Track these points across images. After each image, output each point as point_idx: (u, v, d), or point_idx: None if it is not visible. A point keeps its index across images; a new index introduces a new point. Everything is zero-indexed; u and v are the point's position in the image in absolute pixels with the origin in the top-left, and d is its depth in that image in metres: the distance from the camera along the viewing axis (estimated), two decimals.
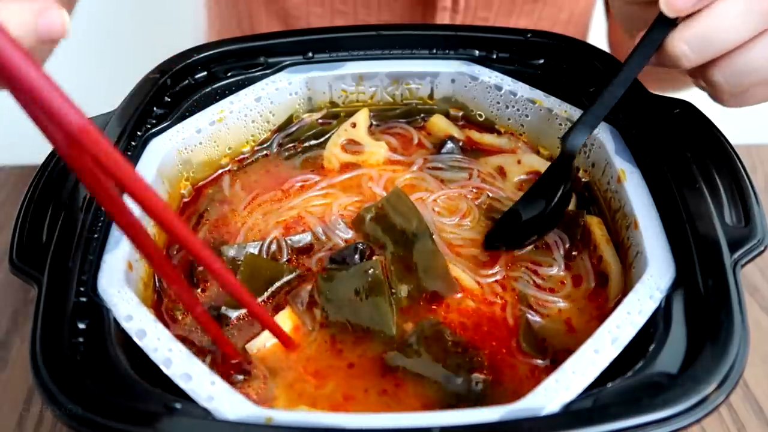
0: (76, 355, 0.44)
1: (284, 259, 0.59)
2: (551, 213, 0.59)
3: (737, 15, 0.48)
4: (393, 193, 0.62)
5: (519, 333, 0.53)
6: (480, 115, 0.72)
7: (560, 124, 0.66)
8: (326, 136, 0.71)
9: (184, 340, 0.52)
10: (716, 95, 0.54)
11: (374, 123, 0.73)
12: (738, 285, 0.46)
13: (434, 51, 0.72)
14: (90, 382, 0.42)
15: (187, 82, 0.68)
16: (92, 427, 0.40)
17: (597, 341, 0.45)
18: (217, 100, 0.67)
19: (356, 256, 0.56)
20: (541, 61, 0.70)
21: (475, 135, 0.71)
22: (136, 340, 0.45)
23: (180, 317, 0.54)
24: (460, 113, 0.73)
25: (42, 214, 0.52)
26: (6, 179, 0.90)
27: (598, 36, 1.09)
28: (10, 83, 0.33)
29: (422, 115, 0.74)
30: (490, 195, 0.65)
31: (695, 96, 0.64)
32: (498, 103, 0.70)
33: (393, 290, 0.55)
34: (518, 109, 0.69)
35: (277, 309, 0.55)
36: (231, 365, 0.51)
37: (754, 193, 0.52)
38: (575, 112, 0.66)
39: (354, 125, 0.71)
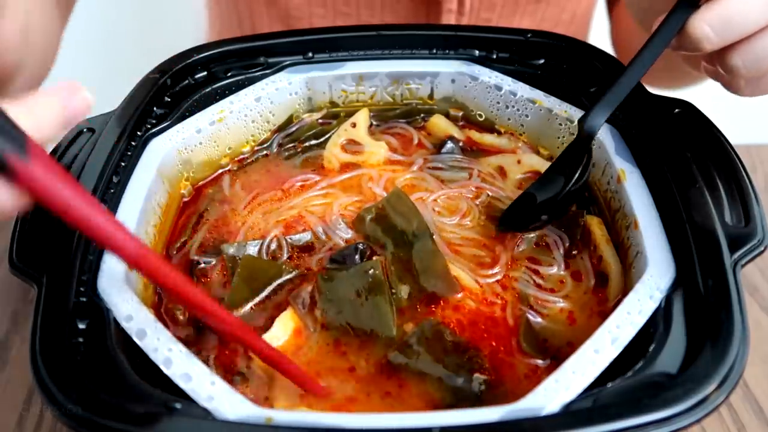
0: (76, 355, 0.44)
1: (284, 257, 0.59)
2: (567, 196, 0.59)
3: None
4: (393, 193, 0.61)
5: (519, 333, 0.53)
6: (480, 115, 0.72)
7: (560, 124, 0.66)
8: (326, 136, 0.71)
9: (185, 341, 0.52)
10: (732, 82, 0.54)
11: (374, 123, 0.73)
12: (738, 285, 0.46)
13: (434, 51, 0.72)
14: (90, 382, 0.42)
15: (187, 82, 0.68)
16: (92, 427, 0.40)
17: (597, 341, 0.45)
18: (217, 100, 0.67)
19: (356, 256, 0.56)
20: (541, 61, 0.70)
21: (475, 135, 0.71)
22: (136, 341, 0.45)
23: (180, 317, 0.54)
24: (460, 113, 0.73)
25: (42, 213, 0.52)
26: None
27: (599, 36, 1.09)
28: (77, 228, 0.37)
29: (422, 115, 0.74)
30: (490, 194, 0.65)
31: (695, 96, 0.64)
32: (498, 103, 0.70)
33: (393, 291, 0.54)
34: (518, 109, 0.69)
35: (278, 309, 0.55)
36: (232, 366, 0.51)
37: (754, 193, 0.52)
38: (575, 112, 0.66)
39: (354, 125, 0.71)
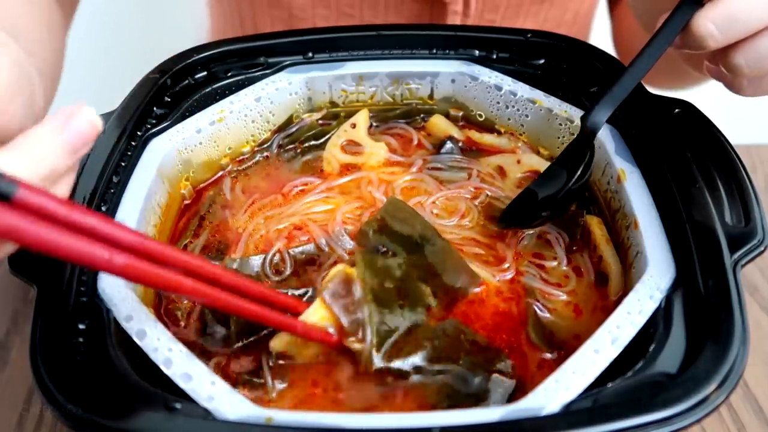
0: (76, 355, 0.44)
1: (288, 272, 0.58)
2: (568, 193, 0.59)
3: None
4: (390, 202, 0.61)
5: (527, 324, 0.53)
6: (480, 115, 0.72)
7: (560, 124, 0.66)
8: (326, 137, 0.71)
9: (186, 342, 0.52)
10: (734, 82, 0.54)
11: (374, 124, 0.73)
12: (738, 285, 0.46)
13: (434, 51, 0.72)
14: (90, 382, 0.42)
15: (187, 82, 0.68)
16: (92, 427, 0.40)
17: (597, 341, 0.45)
18: (217, 100, 0.67)
19: None
20: (542, 61, 0.70)
21: (475, 135, 0.71)
22: (136, 341, 0.45)
23: (180, 317, 0.54)
24: (460, 113, 0.73)
25: None
26: None
27: (600, 36, 1.09)
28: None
29: (422, 115, 0.74)
30: (489, 194, 0.65)
31: (695, 96, 0.64)
32: (498, 103, 0.70)
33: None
34: (518, 109, 0.69)
35: None
36: (232, 366, 0.51)
37: (754, 193, 0.52)
38: (575, 112, 0.66)
39: (354, 126, 0.71)
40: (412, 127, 0.73)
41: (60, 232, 0.36)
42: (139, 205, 0.55)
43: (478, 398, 0.48)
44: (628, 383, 0.42)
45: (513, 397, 0.48)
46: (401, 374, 0.49)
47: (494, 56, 0.71)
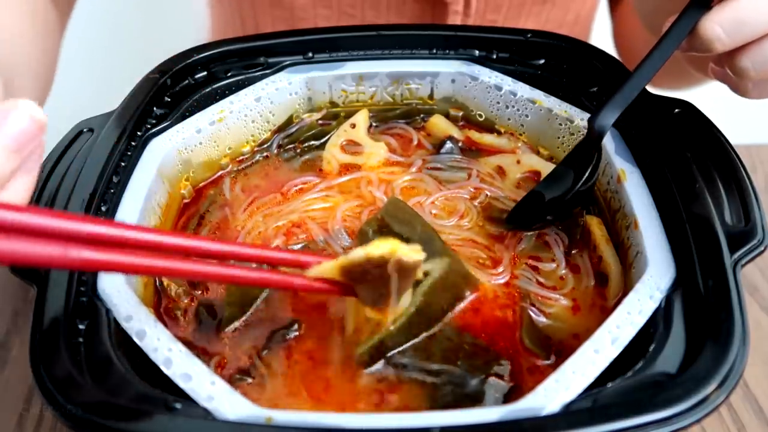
0: (76, 355, 0.44)
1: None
2: (576, 195, 0.59)
3: None
4: (390, 202, 0.61)
5: (521, 329, 0.53)
6: (480, 115, 0.72)
7: (560, 124, 0.66)
8: (326, 137, 0.71)
9: (186, 342, 0.52)
10: (740, 85, 0.54)
11: (374, 124, 0.73)
12: (738, 285, 0.46)
13: (434, 51, 0.72)
14: (90, 382, 0.42)
15: (187, 82, 0.68)
16: (92, 427, 0.40)
17: (597, 341, 0.45)
18: (217, 100, 0.67)
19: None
20: (542, 61, 0.70)
21: (475, 135, 0.71)
22: (136, 341, 0.45)
23: (180, 317, 0.54)
24: (460, 113, 0.73)
25: None
26: None
27: (600, 36, 1.09)
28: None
29: (422, 115, 0.74)
30: (489, 194, 0.65)
31: (695, 96, 0.64)
32: (498, 103, 0.70)
33: None
34: (518, 109, 0.69)
35: (270, 321, 0.54)
36: (233, 366, 0.51)
37: (754, 193, 0.52)
38: (575, 112, 0.66)
39: (353, 126, 0.71)
40: (411, 127, 0.73)
41: (4, 238, 0.34)
42: (139, 205, 0.55)
43: (475, 400, 0.48)
44: (628, 383, 0.42)
45: (508, 400, 0.48)
46: (396, 366, 0.49)
47: (494, 56, 0.71)
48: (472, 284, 0.55)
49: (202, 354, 0.51)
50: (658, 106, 0.60)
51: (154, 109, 0.64)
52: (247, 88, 0.68)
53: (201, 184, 0.67)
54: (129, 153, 0.59)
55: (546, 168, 0.66)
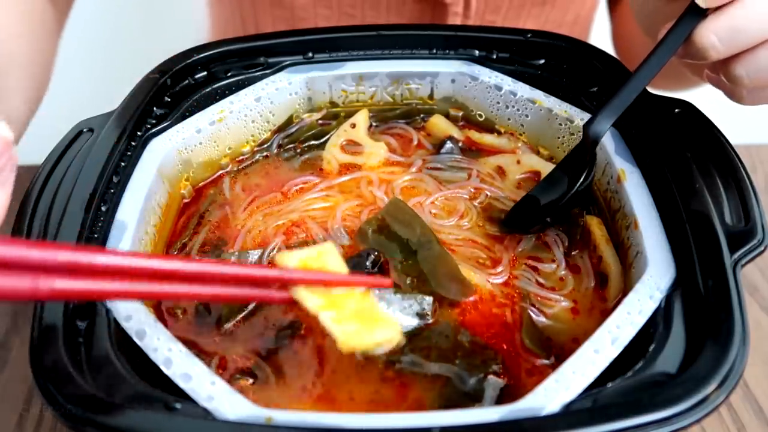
0: (76, 355, 0.44)
1: None
2: (571, 199, 0.59)
3: (767, 9, 0.48)
4: (392, 203, 0.61)
5: (521, 329, 0.53)
6: (480, 115, 0.72)
7: (560, 124, 0.66)
8: (326, 137, 0.71)
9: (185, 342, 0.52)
10: (734, 91, 0.55)
11: (374, 124, 0.73)
12: (738, 285, 0.46)
13: (434, 51, 0.72)
14: (90, 382, 0.42)
15: (187, 82, 0.68)
16: (92, 427, 0.40)
17: (597, 341, 0.45)
18: (217, 100, 0.67)
19: (368, 263, 0.56)
20: (541, 61, 0.70)
21: (475, 135, 0.71)
22: (136, 340, 0.45)
23: (180, 316, 0.54)
24: (460, 113, 0.73)
25: (42, 213, 0.52)
26: None
27: (600, 36, 1.09)
28: None
29: (422, 115, 0.74)
30: (489, 195, 0.65)
31: (695, 96, 0.64)
32: (498, 103, 0.70)
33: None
34: (518, 109, 0.69)
35: (267, 319, 0.54)
36: (233, 366, 0.51)
37: (754, 193, 0.52)
38: (575, 112, 0.66)
39: (353, 126, 0.71)
40: (412, 127, 0.73)
41: None
42: (139, 205, 0.55)
43: (474, 399, 0.48)
44: (628, 383, 0.42)
45: (505, 398, 0.48)
46: (396, 365, 0.50)
47: (494, 56, 0.71)
48: (467, 289, 0.55)
49: (202, 353, 0.51)
50: (658, 106, 0.60)
51: (154, 109, 0.64)
52: (247, 88, 0.68)
53: (201, 184, 0.67)
54: (129, 153, 0.59)
55: (546, 168, 0.66)
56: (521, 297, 0.56)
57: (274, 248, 0.59)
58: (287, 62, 0.70)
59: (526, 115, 0.69)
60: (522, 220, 0.61)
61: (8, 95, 0.65)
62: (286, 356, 0.51)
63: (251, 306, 0.54)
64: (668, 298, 0.48)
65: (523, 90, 0.69)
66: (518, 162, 0.68)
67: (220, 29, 1.10)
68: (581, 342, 0.47)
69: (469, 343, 0.51)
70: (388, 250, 0.58)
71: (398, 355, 0.50)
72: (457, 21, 0.91)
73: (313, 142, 0.72)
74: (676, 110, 0.60)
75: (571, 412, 0.41)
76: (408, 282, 0.55)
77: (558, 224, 0.61)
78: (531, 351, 0.51)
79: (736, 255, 0.48)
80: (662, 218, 0.53)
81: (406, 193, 0.65)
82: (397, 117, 0.74)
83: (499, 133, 0.71)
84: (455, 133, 0.71)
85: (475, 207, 0.64)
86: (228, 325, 0.53)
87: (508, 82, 0.69)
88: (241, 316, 0.54)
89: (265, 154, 0.70)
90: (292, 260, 0.47)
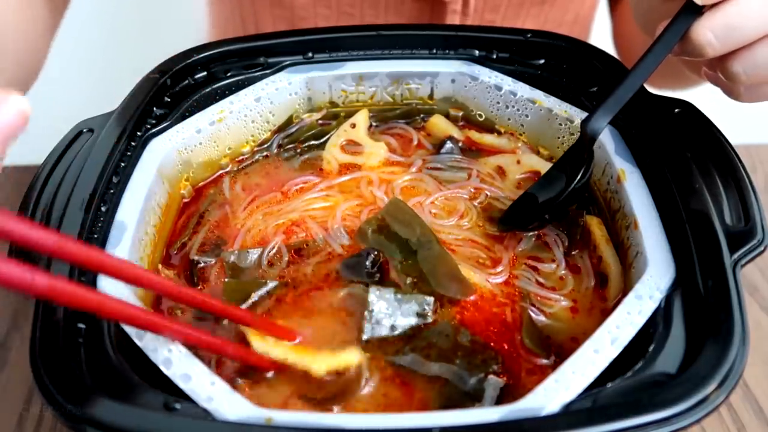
0: (76, 355, 0.44)
1: (284, 264, 0.58)
2: (569, 196, 0.59)
3: (763, 6, 0.49)
4: (392, 203, 0.61)
5: (521, 329, 0.53)
6: (480, 115, 0.72)
7: (560, 124, 0.66)
8: (326, 137, 0.71)
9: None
10: (732, 89, 0.55)
11: (374, 124, 0.73)
12: (738, 285, 0.46)
13: (434, 51, 0.72)
14: (90, 382, 0.42)
15: (187, 82, 0.68)
16: (92, 427, 0.40)
17: (597, 341, 0.45)
18: (217, 100, 0.67)
19: (368, 263, 0.56)
20: (541, 61, 0.70)
21: (475, 135, 0.71)
22: (135, 341, 0.45)
23: (180, 317, 0.54)
24: (460, 113, 0.73)
25: (42, 214, 0.52)
26: (6, 179, 0.90)
27: (600, 36, 1.09)
28: None
29: (422, 115, 0.74)
30: (489, 195, 0.65)
31: (695, 96, 0.64)
32: (498, 103, 0.70)
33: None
34: (518, 109, 0.69)
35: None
36: (233, 367, 0.50)
37: (754, 193, 0.52)
38: (575, 112, 0.66)
39: (353, 126, 0.71)
40: (412, 127, 0.73)
41: None
42: (139, 206, 0.55)
43: (474, 398, 0.48)
44: (628, 383, 0.42)
45: (505, 397, 0.48)
46: (396, 364, 0.50)
47: (494, 56, 0.71)
48: (467, 289, 0.55)
49: (202, 353, 0.51)
50: (658, 106, 0.60)
51: (154, 109, 0.64)
52: (247, 88, 0.68)
53: (201, 184, 0.67)
54: (129, 153, 0.59)
55: (546, 168, 0.65)
56: (521, 296, 0.56)
57: (273, 247, 0.59)
58: (287, 62, 0.70)
59: (526, 115, 0.69)
60: (520, 218, 0.61)
61: None
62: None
63: (247, 304, 0.54)
64: (668, 298, 0.48)
65: (523, 90, 0.69)
66: (518, 162, 0.68)
67: (219, 29, 1.10)
68: (580, 341, 0.47)
69: (469, 343, 0.51)
70: (388, 250, 0.58)
71: (400, 355, 0.50)
72: (455, 19, 0.91)
73: (313, 142, 0.72)
74: (676, 110, 0.60)
75: (571, 412, 0.41)
76: (408, 282, 0.55)
77: (556, 221, 0.61)
78: (531, 351, 0.51)
79: (736, 255, 0.48)
80: (662, 218, 0.53)
81: (406, 193, 0.65)
82: (397, 117, 0.74)
83: (499, 133, 0.71)
84: (455, 133, 0.71)
85: (475, 207, 0.64)
86: (227, 322, 0.53)
87: (508, 82, 0.69)
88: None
89: (265, 154, 0.70)
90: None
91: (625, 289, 0.54)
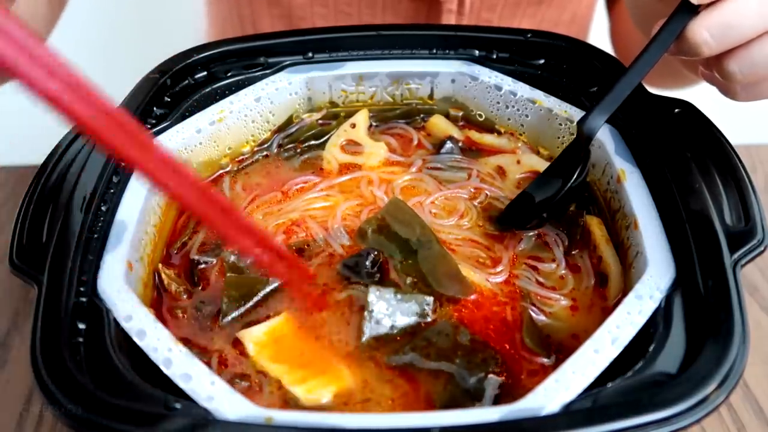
0: (76, 355, 0.44)
1: None
2: (566, 195, 0.59)
3: (759, 5, 0.49)
4: (391, 202, 0.61)
5: (522, 328, 0.53)
6: (480, 115, 0.72)
7: (560, 124, 0.66)
8: (326, 137, 0.71)
9: (185, 340, 0.52)
10: (728, 87, 0.55)
11: (374, 124, 0.73)
12: (738, 285, 0.46)
13: (434, 51, 0.72)
14: (90, 382, 0.42)
15: (187, 82, 0.68)
16: (92, 427, 0.40)
17: (597, 341, 0.45)
18: (217, 100, 0.67)
19: (368, 263, 0.56)
20: (541, 61, 0.70)
21: (475, 135, 0.71)
22: (136, 341, 0.45)
23: (180, 316, 0.54)
24: (460, 113, 0.73)
25: (42, 214, 0.52)
26: (6, 179, 0.90)
27: (599, 35, 1.09)
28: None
29: (422, 115, 0.74)
30: (489, 194, 0.65)
31: (695, 96, 0.64)
32: (498, 103, 0.70)
33: None
34: (518, 109, 0.69)
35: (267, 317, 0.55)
36: (233, 368, 0.51)
37: (754, 193, 0.52)
38: (575, 112, 0.66)
39: (353, 126, 0.71)
40: (412, 127, 0.73)
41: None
42: (140, 205, 0.55)
43: (474, 398, 0.48)
44: (628, 383, 0.42)
45: (505, 397, 0.48)
46: (396, 363, 0.50)
47: (494, 56, 0.71)
48: (467, 288, 0.55)
49: (203, 352, 0.51)
50: (658, 106, 0.60)
51: (154, 109, 0.64)
52: (247, 88, 0.68)
53: None
54: None
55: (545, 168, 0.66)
56: (521, 296, 0.56)
57: None
58: (287, 62, 0.70)
59: (526, 115, 0.69)
60: (518, 217, 0.61)
61: None
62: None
63: (250, 303, 0.54)
64: (668, 298, 0.48)
65: (523, 90, 0.69)
66: (518, 162, 0.68)
67: (217, 28, 1.10)
68: (580, 338, 0.47)
69: (468, 342, 0.51)
70: (388, 250, 0.58)
71: (400, 354, 0.50)
72: (451, 19, 0.91)
73: (313, 142, 0.72)
74: (676, 110, 0.60)
75: (571, 412, 0.41)
76: (408, 282, 0.55)
77: (554, 220, 0.61)
78: (531, 350, 0.51)
79: (736, 255, 0.48)
80: (662, 218, 0.53)
81: (406, 192, 0.65)
82: (397, 117, 0.74)
83: (499, 133, 0.71)
84: (455, 133, 0.71)
85: (475, 207, 0.64)
86: (227, 320, 0.53)
87: (508, 82, 0.69)
88: (241, 311, 0.54)
89: (265, 153, 0.70)
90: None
91: (625, 289, 0.54)
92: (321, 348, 0.51)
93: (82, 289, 0.47)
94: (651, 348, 0.45)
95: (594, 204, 0.63)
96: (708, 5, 0.50)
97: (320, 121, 0.73)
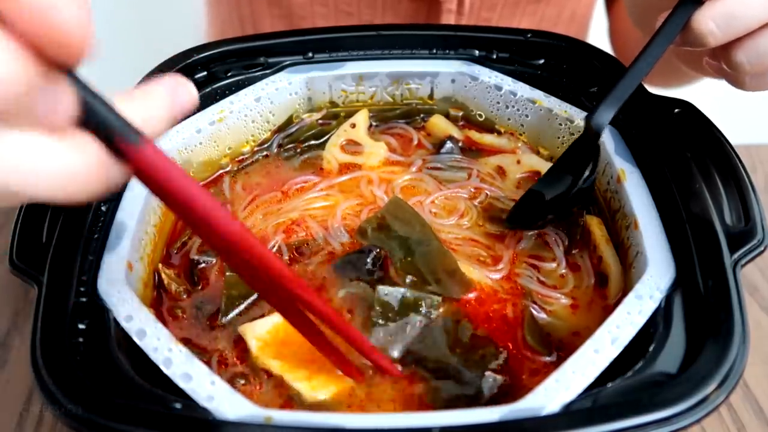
0: (76, 355, 0.44)
1: (286, 258, 0.58)
2: (576, 194, 0.59)
3: None
4: (392, 201, 0.61)
5: (523, 326, 0.53)
6: (480, 115, 0.72)
7: (560, 124, 0.66)
8: (326, 137, 0.71)
9: (185, 340, 0.52)
10: (736, 78, 0.54)
11: (374, 123, 0.73)
12: (738, 285, 0.46)
13: (434, 51, 0.72)
14: (90, 382, 0.42)
15: None
16: (92, 427, 0.40)
17: (597, 341, 0.45)
18: (217, 100, 0.67)
19: (369, 259, 0.56)
20: (541, 61, 0.70)
21: (475, 135, 0.71)
22: (136, 341, 0.45)
23: (180, 316, 0.54)
24: (460, 113, 0.73)
25: (42, 214, 0.52)
26: None
27: (598, 35, 1.09)
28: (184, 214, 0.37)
29: (422, 115, 0.74)
30: (489, 194, 0.65)
31: (695, 96, 0.64)
32: (498, 103, 0.70)
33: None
34: (518, 109, 0.69)
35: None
36: (233, 367, 0.51)
37: (754, 193, 0.52)
38: (575, 112, 0.66)
39: (353, 126, 0.71)
40: (412, 127, 0.73)
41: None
42: (140, 205, 0.55)
43: (474, 397, 0.48)
44: (628, 383, 0.42)
45: (505, 397, 0.48)
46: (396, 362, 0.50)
47: (494, 56, 0.71)
48: (466, 285, 0.55)
49: (203, 352, 0.51)
50: (658, 105, 0.60)
51: None
52: (247, 88, 0.68)
53: (201, 184, 0.67)
54: None
55: (546, 168, 0.66)
56: (522, 294, 0.56)
57: (273, 246, 0.59)
58: (287, 62, 0.70)
59: (526, 115, 0.69)
60: (527, 216, 0.61)
61: None
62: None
63: (249, 302, 0.55)
64: (668, 298, 0.48)
65: (523, 90, 0.69)
66: (518, 162, 0.68)
67: (217, 28, 1.10)
68: (581, 335, 0.47)
69: (468, 339, 0.51)
70: (388, 248, 0.58)
71: (400, 351, 0.50)
72: (451, 18, 0.91)
73: (313, 142, 0.72)
74: (676, 110, 0.60)
75: (571, 412, 0.41)
76: (408, 280, 0.55)
77: (561, 220, 0.61)
78: (533, 348, 0.51)
79: (736, 255, 0.48)
80: (662, 218, 0.53)
81: (406, 192, 0.65)
82: (397, 117, 0.74)
83: (499, 133, 0.71)
84: (455, 133, 0.71)
85: (475, 206, 0.64)
86: (227, 319, 0.54)
87: (508, 82, 0.69)
88: (240, 310, 0.54)
89: (265, 153, 0.70)
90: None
91: (626, 288, 0.54)
92: None
93: (82, 289, 0.47)
94: (651, 348, 0.45)
95: (594, 204, 0.63)
96: None
97: (320, 121, 0.73)
